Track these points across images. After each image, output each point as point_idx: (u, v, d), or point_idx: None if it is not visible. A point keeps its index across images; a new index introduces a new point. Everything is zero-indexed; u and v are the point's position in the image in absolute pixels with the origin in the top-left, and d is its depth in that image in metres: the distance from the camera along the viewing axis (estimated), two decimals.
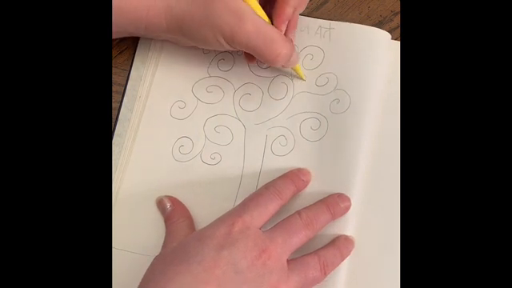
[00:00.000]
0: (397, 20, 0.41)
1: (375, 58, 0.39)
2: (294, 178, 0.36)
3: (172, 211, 0.36)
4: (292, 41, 0.36)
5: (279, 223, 0.33)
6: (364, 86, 0.37)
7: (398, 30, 0.41)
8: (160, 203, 0.37)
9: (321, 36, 0.39)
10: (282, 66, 0.36)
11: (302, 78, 0.39)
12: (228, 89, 0.39)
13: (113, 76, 0.40)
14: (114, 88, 0.39)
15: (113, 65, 0.40)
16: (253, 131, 0.38)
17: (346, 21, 0.40)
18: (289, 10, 0.35)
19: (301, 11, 0.37)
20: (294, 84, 0.39)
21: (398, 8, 0.41)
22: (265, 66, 0.39)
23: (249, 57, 0.38)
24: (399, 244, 0.35)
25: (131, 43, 0.40)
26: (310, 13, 0.41)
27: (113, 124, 0.39)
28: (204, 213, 0.36)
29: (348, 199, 0.36)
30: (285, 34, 0.36)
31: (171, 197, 0.37)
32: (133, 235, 0.37)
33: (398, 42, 0.40)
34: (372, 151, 0.38)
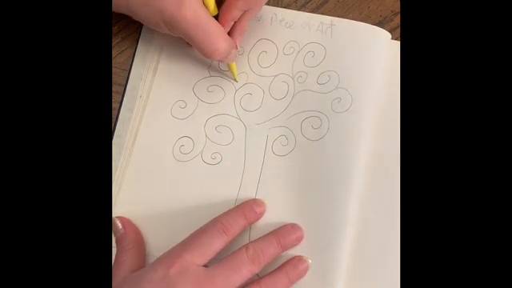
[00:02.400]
0: (397, 20, 0.41)
1: (376, 57, 0.39)
2: (247, 210, 0.35)
3: (123, 235, 0.35)
4: (234, 42, 0.36)
5: (224, 258, 0.33)
6: (366, 84, 0.37)
7: (398, 30, 0.41)
8: (113, 224, 0.36)
9: (322, 32, 0.39)
10: (219, 61, 0.37)
11: (234, 79, 0.39)
12: (229, 88, 0.39)
13: (113, 76, 0.40)
14: (114, 88, 0.39)
15: (113, 65, 0.40)
16: (254, 131, 0.38)
17: None
18: (235, 12, 0.35)
19: (252, 18, 0.37)
20: (295, 83, 0.39)
21: (398, 8, 0.41)
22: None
23: (189, 44, 0.37)
24: (399, 244, 0.36)
25: (131, 43, 0.40)
26: (310, 12, 0.41)
27: (113, 124, 0.39)
28: (204, 213, 0.36)
29: (301, 229, 0.35)
30: (231, 36, 0.36)
31: (124, 218, 0.36)
32: None
33: (398, 42, 0.40)
34: (372, 150, 0.38)
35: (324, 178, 0.37)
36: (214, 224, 0.34)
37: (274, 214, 0.37)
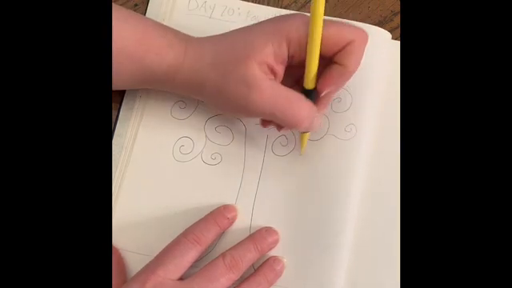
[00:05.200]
0: (397, 20, 0.41)
1: (376, 57, 0.39)
2: (218, 217, 0.35)
3: None
4: (315, 107, 0.34)
5: (202, 269, 0.32)
6: (365, 85, 0.37)
7: (398, 30, 0.41)
8: None
9: None
10: (304, 130, 0.35)
11: (301, 150, 0.37)
12: None
13: None
14: None
15: None
16: (253, 131, 0.38)
17: None
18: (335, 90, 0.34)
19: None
20: None
21: (398, 8, 0.41)
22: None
23: (264, 122, 0.36)
24: (399, 244, 0.35)
25: None
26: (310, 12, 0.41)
27: (113, 124, 0.39)
28: (204, 213, 0.36)
29: (276, 233, 0.36)
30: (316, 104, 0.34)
31: None
32: (133, 235, 0.37)
33: (398, 42, 0.40)
34: (372, 150, 0.38)
35: (324, 177, 0.37)
36: (186, 235, 0.33)
37: (274, 214, 0.37)
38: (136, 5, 0.42)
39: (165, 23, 0.40)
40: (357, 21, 0.40)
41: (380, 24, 0.41)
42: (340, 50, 0.32)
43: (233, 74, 0.32)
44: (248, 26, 0.34)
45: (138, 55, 0.33)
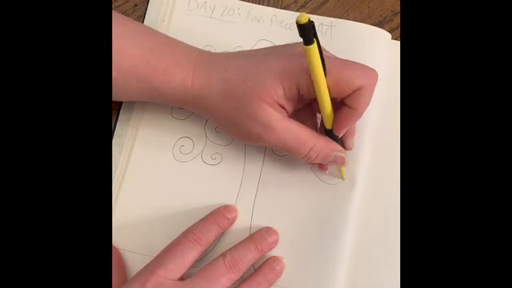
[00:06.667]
0: (397, 20, 0.41)
1: (376, 58, 0.39)
2: (218, 217, 0.35)
3: None
4: (332, 144, 0.34)
5: (201, 269, 0.32)
6: None
7: (398, 30, 0.41)
8: None
9: (322, 34, 0.39)
10: (322, 163, 0.35)
11: (342, 178, 0.37)
12: None
13: None
14: None
15: None
16: None
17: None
18: (351, 126, 0.35)
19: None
20: None
21: (398, 8, 0.41)
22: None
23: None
24: (399, 244, 0.36)
25: None
26: (310, 12, 0.41)
27: (113, 124, 0.39)
28: (204, 213, 0.36)
29: (276, 233, 0.36)
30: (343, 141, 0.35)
31: None
32: (133, 235, 0.37)
33: (398, 42, 0.40)
34: (372, 150, 0.38)
35: (324, 177, 0.37)
36: (186, 235, 0.33)
37: (274, 214, 0.37)
38: (136, 5, 0.42)
39: (165, 24, 0.40)
40: (357, 21, 0.40)
41: (380, 24, 0.41)
42: (350, 94, 0.32)
43: (246, 110, 0.32)
44: (257, 55, 0.34)
45: (146, 76, 0.34)
